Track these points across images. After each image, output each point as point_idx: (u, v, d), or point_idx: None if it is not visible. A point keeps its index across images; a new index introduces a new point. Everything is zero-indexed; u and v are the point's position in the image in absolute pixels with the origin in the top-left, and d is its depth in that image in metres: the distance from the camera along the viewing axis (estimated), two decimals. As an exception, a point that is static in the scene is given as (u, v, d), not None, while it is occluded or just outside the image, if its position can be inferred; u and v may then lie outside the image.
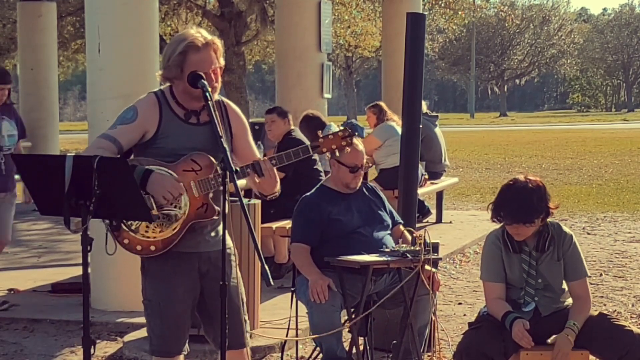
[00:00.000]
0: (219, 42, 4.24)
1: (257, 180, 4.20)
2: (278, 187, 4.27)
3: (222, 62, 4.25)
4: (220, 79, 4.25)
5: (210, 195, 4.15)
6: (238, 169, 4.11)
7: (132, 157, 4.24)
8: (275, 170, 4.20)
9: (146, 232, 4.11)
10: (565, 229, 5.23)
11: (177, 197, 4.06)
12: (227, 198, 3.98)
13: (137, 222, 4.10)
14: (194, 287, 4.27)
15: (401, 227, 6.04)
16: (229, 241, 4.30)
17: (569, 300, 5.23)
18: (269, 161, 4.17)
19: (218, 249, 4.17)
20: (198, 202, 4.14)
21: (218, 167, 4.10)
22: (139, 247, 4.15)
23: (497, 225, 5.19)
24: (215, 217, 4.18)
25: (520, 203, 4.99)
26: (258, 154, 4.36)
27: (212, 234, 4.28)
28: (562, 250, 5.14)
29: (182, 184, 4.09)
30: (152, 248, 4.15)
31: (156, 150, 4.18)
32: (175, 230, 4.13)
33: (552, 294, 5.17)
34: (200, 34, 4.19)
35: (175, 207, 4.09)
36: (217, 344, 4.24)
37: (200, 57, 4.14)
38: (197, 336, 4.57)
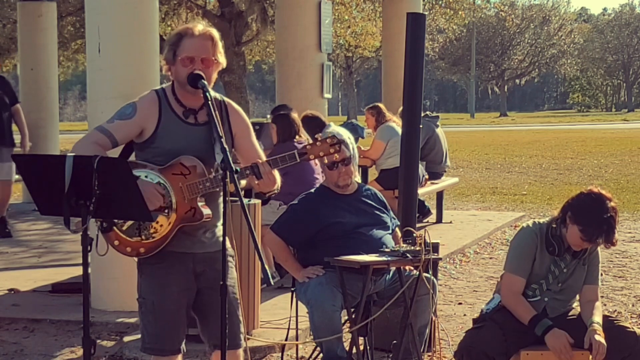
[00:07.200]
0: (217, 36, 4.24)
1: (256, 182, 4.21)
2: (277, 185, 4.28)
3: (222, 59, 4.25)
4: (214, 75, 4.24)
5: (202, 198, 4.16)
6: (239, 168, 4.12)
7: (132, 155, 4.27)
8: (274, 171, 4.21)
9: (135, 233, 4.14)
10: None
11: (157, 204, 4.08)
12: (227, 198, 3.98)
13: (126, 224, 4.13)
14: (189, 287, 4.28)
15: (397, 230, 6.07)
16: (227, 242, 4.32)
17: (575, 305, 5.26)
18: (267, 164, 4.17)
19: (215, 249, 4.18)
20: (186, 206, 4.15)
21: (219, 168, 4.10)
22: (128, 249, 4.18)
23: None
24: (205, 220, 4.18)
25: (611, 226, 4.93)
26: (262, 154, 4.35)
27: (208, 234, 4.28)
28: (588, 254, 5.16)
29: (171, 188, 4.11)
30: (142, 250, 4.18)
31: (154, 150, 4.20)
32: (164, 234, 4.15)
33: (565, 297, 5.20)
34: (202, 25, 4.24)
35: (163, 210, 4.12)
36: (211, 344, 4.31)
37: (192, 42, 4.16)
38: (196, 336, 4.57)
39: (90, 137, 4.20)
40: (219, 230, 4.33)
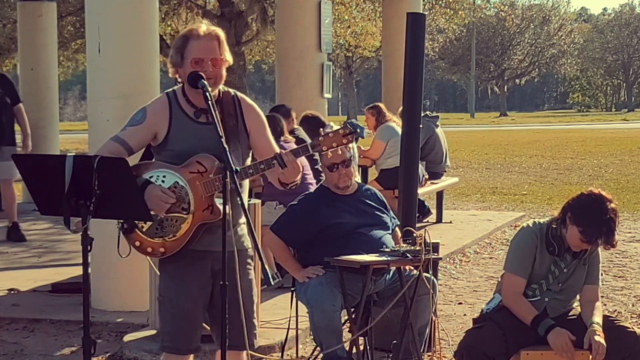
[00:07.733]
0: (222, 35, 4.25)
1: (281, 171, 4.18)
2: (300, 175, 4.26)
3: (228, 57, 4.25)
4: (224, 72, 4.23)
5: (220, 195, 4.15)
6: (238, 168, 4.11)
7: (153, 159, 4.29)
8: (297, 160, 4.18)
9: (156, 233, 4.15)
10: None
11: (166, 207, 4.07)
12: (227, 198, 3.98)
13: (147, 225, 4.13)
14: (206, 285, 4.29)
15: (397, 230, 6.07)
16: (247, 242, 4.32)
17: (575, 305, 5.25)
18: (290, 153, 4.14)
19: (237, 249, 4.16)
20: (204, 204, 4.15)
21: (219, 167, 4.10)
22: (149, 249, 4.20)
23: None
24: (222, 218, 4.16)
25: (611, 228, 4.92)
26: (278, 149, 4.32)
27: (228, 233, 4.26)
28: (588, 254, 5.15)
29: (189, 186, 4.12)
30: (162, 250, 4.20)
31: (168, 152, 4.22)
32: (183, 233, 4.15)
33: (565, 297, 5.19)
34: (205, 25, 4.24)
35: (182, 209, 4.11)
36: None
37: (199, 44, 4.17)
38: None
39: (105, 148, 4.22)
40: (242, 229, 4.35)
